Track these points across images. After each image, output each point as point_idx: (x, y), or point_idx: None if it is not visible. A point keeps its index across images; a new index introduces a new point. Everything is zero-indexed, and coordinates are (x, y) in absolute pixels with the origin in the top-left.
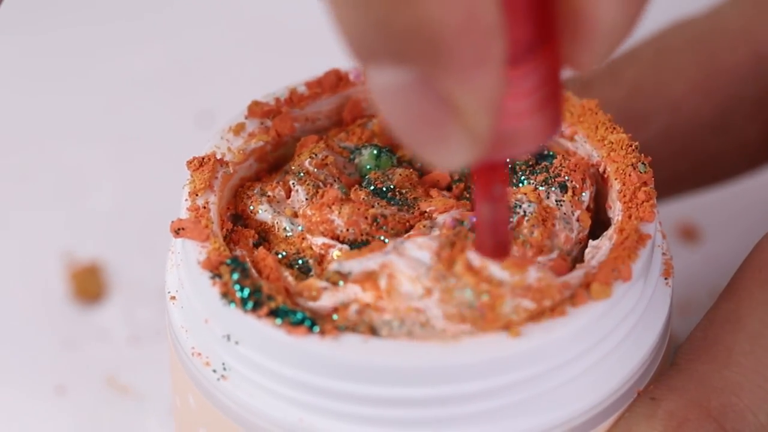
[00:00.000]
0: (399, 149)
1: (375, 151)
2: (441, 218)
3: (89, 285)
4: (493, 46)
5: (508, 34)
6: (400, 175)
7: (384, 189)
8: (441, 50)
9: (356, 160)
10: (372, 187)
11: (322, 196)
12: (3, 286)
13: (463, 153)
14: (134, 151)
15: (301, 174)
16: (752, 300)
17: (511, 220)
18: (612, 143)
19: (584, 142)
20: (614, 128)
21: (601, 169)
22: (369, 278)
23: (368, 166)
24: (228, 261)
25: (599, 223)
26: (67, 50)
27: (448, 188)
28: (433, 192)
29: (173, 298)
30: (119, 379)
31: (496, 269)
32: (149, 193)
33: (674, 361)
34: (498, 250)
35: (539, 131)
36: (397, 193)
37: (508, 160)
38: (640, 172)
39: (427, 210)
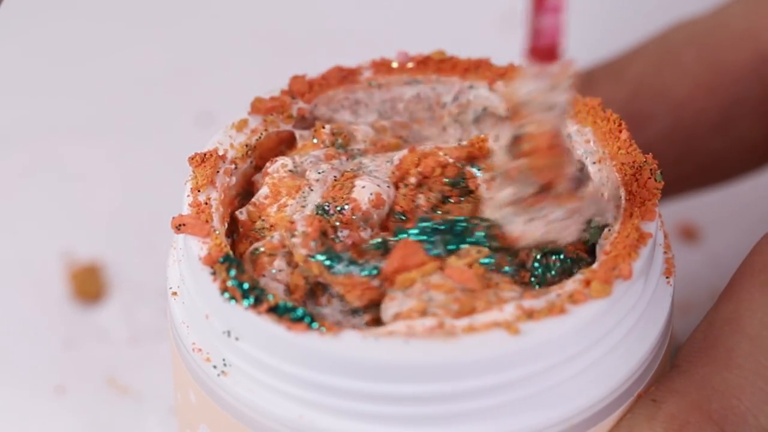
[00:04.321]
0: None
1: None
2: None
3: (89, 285)
4: None
5: None
6: (460, 207)
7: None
8: None
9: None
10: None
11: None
12: (3, 286)
13: None
14: (134, 152)
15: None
16: (752, 302)
17: None
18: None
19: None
20: (621, 126)
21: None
22: None
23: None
24: (221, 259)
25: None
26: (68, 50)
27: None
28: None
29: (175, 293)
30: (119, 379)
31: None
32: (149, 194)
33: (675, 362)
34: (549, 54)
35: None
36: (442, 202)
37: None
38: None
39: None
